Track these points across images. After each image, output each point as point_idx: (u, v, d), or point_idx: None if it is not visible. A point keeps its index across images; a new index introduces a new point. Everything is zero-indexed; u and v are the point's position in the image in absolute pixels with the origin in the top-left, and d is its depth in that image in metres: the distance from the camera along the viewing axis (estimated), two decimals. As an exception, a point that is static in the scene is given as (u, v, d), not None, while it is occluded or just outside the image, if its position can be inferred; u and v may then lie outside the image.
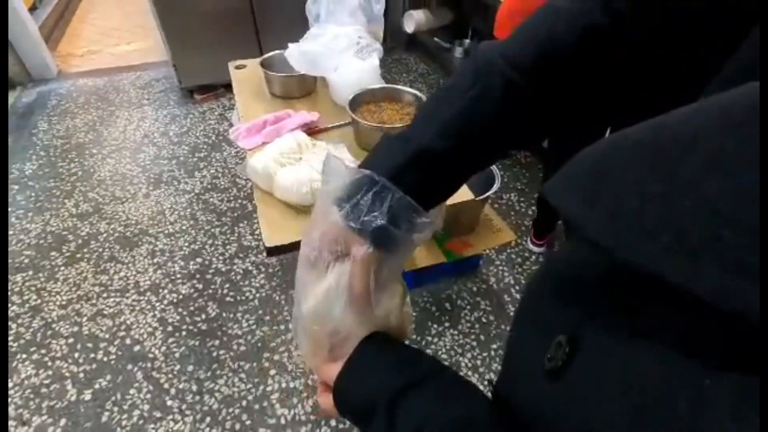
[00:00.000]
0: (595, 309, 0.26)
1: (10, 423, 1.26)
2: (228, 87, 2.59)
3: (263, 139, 1.19)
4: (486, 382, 0.42)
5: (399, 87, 1.28)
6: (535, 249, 1.80)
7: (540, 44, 0.37)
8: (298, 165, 1.03)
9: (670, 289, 0.17)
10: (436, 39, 2.95)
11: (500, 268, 1.73)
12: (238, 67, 1.55)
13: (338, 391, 0.39)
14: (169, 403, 1.31)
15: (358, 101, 1.24)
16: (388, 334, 0.44)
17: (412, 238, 0.40)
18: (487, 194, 1.30)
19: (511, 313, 1.56)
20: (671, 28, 0.34)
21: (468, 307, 1.57)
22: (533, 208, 2.02)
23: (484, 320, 1.53)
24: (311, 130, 1.22)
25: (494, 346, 1.45)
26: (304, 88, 1.40)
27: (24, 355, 1.43)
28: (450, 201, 1.23)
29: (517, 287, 1.66)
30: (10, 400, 1.31)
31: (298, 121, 1.22)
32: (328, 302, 0.40)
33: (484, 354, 1.43)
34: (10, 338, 1.48)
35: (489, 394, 0.37)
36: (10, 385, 1.35)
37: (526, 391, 0.30)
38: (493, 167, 1.47)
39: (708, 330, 0.19)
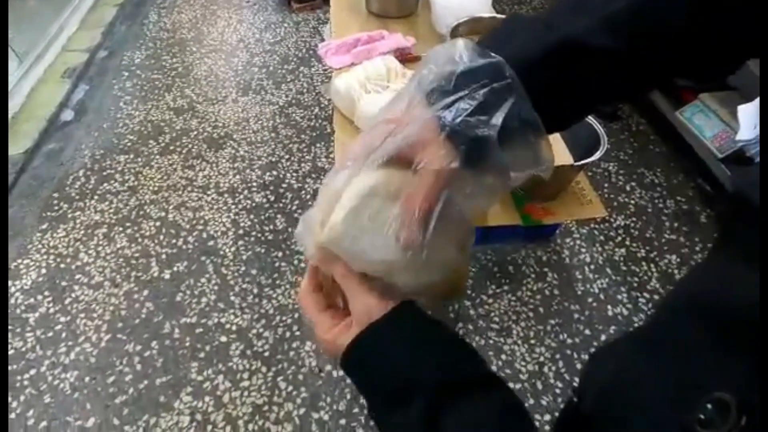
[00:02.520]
0: None
1: (105, 284, 1.46)
2: (326, -3, 2.48)
3: (352, 59, 1.11)
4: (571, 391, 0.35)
5: (512, 19, 1.11)
6: None
7: None
8: (384, 93, 0.95)
9: None
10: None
11: (578, 242, 1.59)
12: (338, -25, 1.43)
13: (360, 346, 0.31)
14: (232, 298, 1.43)
15: (461, 31, 1.10)
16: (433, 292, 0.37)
17: (510, 174, 0.29)
18: (588, 160, 1.14)
19: (579, 293, 1.45)
20: None
21: (533, 275, 1.48)
22: (633, 183, 1.78)
23: (546, 293, 1.44)
24: (404, 57, 1.11)
25: (552, 322, 1.37)
26: (403, 8, 1.27)
27: (120, 228, 1.62)
28: None
29: (592, 266, 1.52)
30: (106, 264, 1.52)
31: (392, 44, 1.11)
32: (368, 210, 0.30)
33: (539, 327, 1.36)
34: (110, 211, 1.67)
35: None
36: (108, 251, 1.55)
37: None
38: (600, 129, 1.27)
39: None
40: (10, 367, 1.27)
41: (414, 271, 0.32)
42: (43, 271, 1.50)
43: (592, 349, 1.32)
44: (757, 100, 1.37)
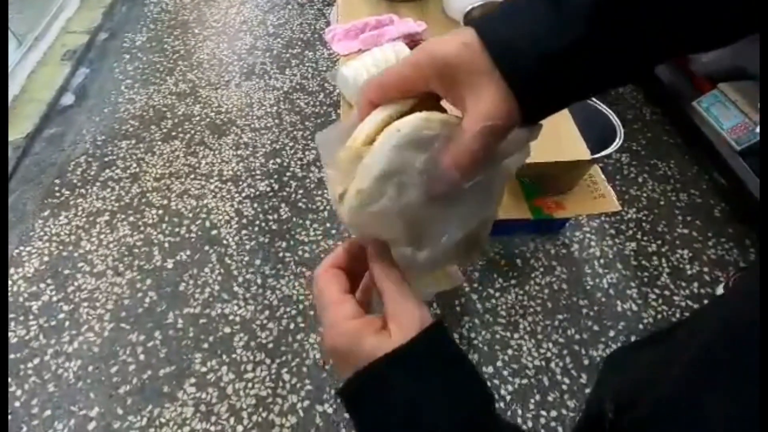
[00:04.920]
0: None
1: (108, 272, 1.45)
2: (332, -22, 2.40)
3: (360, 45, 1.07)
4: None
5: (528, 3, 1.05)
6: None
7: None
8: (393, 83, 0.91)
9: None
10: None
11: (588, 235, 1.55)
12: (346, -45, 1.37)
13: (362, 379, 0.25)
14: (235, 289, 1.42)
15: (475, 15, 1.05)
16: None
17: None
18: (604, 153, 1.10)
19: (588, 287, 1.42)
20: None
21: (541, 269, 1.46)
22: (645, 175, 1.73)
23: (555, 287, 1.42)
24: (414, 43, 1.06)
25: (560, 317, 1.35)
26: (414, -10, 1.22)
27: (123, 216, 1.60)
28: (558, 158, 1.04)
29: (602, 260, 1.49)
30: (109, 252, 1.50)
31: (401, 29, 1.06)
32: (400, 167, 0.25)
33: (547, 322, 1.34)
34: (112, 198, 1.65)
35: None
36: (110, 239, 1.53)
37: None
38: (616, 120, 1.23)
39: None
40: (14, 356, 1.27)
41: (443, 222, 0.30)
42: (45, 258, 1.48)
43: (600, 345, 1.30)
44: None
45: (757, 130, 1.39)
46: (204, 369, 1.26)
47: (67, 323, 1.34)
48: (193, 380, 1.24)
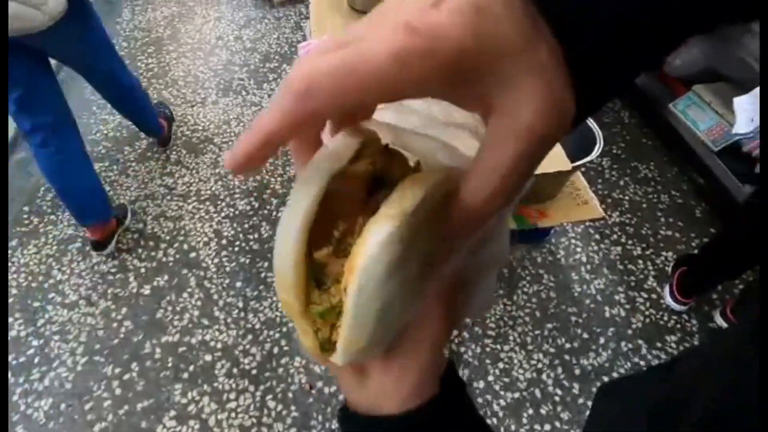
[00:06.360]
0: None
1: (80, 303, 1.38)
2: (307, -8, 2.39)
3: (334, 60, 1.04)
4: None
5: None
6: (675, 307, 1.38)
7: None
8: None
9: None
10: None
11: (573, 241, 1.55)
12: (317, -31, 1.36)
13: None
14: (216, 313, 1.37)
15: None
16: None
17: None
18: (584, 161, 1.09)
19: (576, 294, 1.41)
20: None
21: (528, 278, 1.44)
22: (626, 178, 1.74)
23: (543, 296, 1.40)
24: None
25: (549, 326, 1.34)
26: (387, 3, 1.20)
27: (96, 242, 1.54)
28: (536, 171, 0.99)
29: (588, 266, 1.48)
30: (81, 281, 1.43)
31: (376, 43, 1.04)
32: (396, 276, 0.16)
33: (537, 332, 1.32)
34: (85, 224, 1.59)
35: None
36: (82, 267, 1.47)
37: None
38: (595, 126, 1.23)
39: None
40: (-21, 397, 1.20)
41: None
42: (14, 291, 1.41)
43: (591, 354, 1.28)
44: (753, 92, 1.34)
45: (734, 130, 1.40)
46: (184, 400, 1.20)
47: (36, 359, 1.27)
48: (173, 413, 1.18)
